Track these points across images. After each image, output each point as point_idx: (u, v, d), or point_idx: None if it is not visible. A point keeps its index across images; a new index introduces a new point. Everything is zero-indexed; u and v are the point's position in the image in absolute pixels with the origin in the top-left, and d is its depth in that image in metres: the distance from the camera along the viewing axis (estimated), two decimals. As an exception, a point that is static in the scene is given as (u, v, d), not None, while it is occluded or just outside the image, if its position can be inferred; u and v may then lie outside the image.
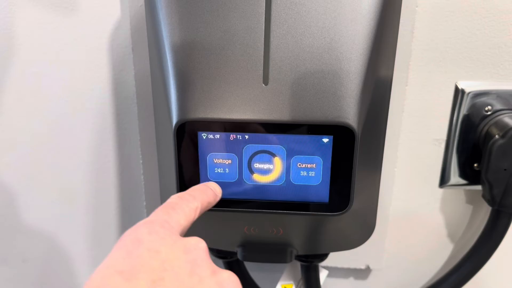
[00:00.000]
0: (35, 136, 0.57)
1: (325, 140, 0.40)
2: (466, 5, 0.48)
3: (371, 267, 0.61)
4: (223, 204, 0.43)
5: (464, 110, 0.51)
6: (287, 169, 0.41)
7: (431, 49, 0.50)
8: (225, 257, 0.54)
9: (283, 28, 0.39)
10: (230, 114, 0.40)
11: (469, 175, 0.54)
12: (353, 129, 0.39)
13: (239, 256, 0.49)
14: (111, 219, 0.62)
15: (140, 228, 0.30)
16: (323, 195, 0.42)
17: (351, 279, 0.64)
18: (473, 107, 0.51)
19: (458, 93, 0.51)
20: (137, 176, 0.58)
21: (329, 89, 0.39)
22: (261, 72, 0.39)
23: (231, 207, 0.43)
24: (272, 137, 0.40)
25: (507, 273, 0.61)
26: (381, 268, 0.62)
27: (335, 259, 0.60)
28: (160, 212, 0.33)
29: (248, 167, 0.41)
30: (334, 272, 0.62)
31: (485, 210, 0.57)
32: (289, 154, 0.41)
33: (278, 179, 0.42)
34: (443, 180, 0.55)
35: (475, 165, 0.54)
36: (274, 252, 0.48)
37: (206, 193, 0.38)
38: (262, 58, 0.39)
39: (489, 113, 0.51)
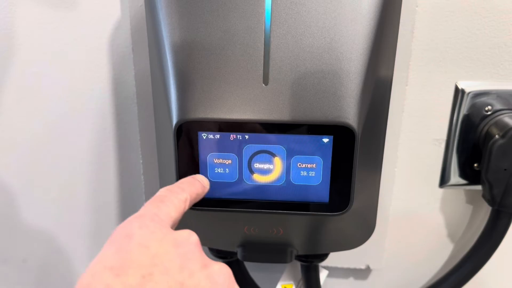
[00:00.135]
0: (35, 136, 0.57)
1: (325, 140, 0.40)
2: (466, 5, 0.48)
3: (371, 267, 0.61)
4: (223, 204, 0.43)
5: (464, 110, 0.51)
6: (287, 169, 0.41)
7: (431, 49, 0.50)
8: (225, 257, 0.54)
9: (283, 28, 0.39)
10: (230, 114, 0.40)
11: (469, 175, 0.54)
12: (353, 129, 0.39)
13: (239, 256, 0.49)
14: (111, 219, 0.62)
15: (131, 223, 0.30)
16: (323, 195, 0.42)
17: (351, 279, 0.64)
18: (473, 107, 0.51)
19: (458, 93, 0.51)
20: (137, 176, 0.58)
21: (329, 89, 0.39)
22: (261, 72, 0.39)
23: (231, 207, 0.43)
24: (272, 137, 0.40)
25: (507, 273, 0.61)
26: (381, 268, 0.62)
27: (335, 259, 0.60)
28: (149, 206, 0.33)
29: (248, 167, 0.41)
30: (334, 272, 0.62)
31: (485, 210, 0.57)
32: (289, 154, 0.41)
33: (278, 179, 0.42)
34: (443, 180, 0.55)
35: (475, 165, 0.54)
36: (274, 252, 0.48)
37: (194, 185, 0.38)
38: (262, 58, 0.39)
39: (489, 113, 0.51)
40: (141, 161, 0.57)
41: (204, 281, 0.29)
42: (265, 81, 0.40)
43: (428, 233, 0.59)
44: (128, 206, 0.61)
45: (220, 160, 0.41)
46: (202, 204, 0.43)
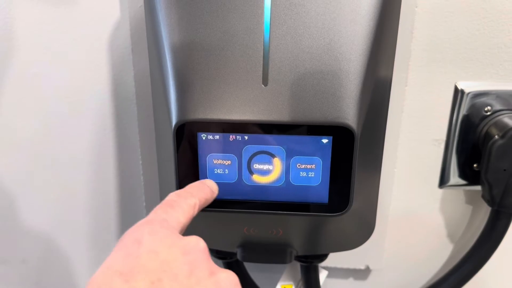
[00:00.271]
0: (35, 136, 0.57)
1: (325, 140, 0.40)
2: (465, 6, 0.48)
3: (370, 267, 0.61)
4: (223, 204, 0.43)
5: (463, 111, 0.51)
6: (287, 170, 0.41)
7: (431, 49, 0.50)
8: (224, 258, 0.54)
9: (283, 29, 0.39)
10: (230, 115, 0.40)
11: (469, 175, 0.54)
12: (352, 130, 0.39)
13: (238, 256, 0.49)
14: (111, 220, 0.62)
15: (140, 228, 0.31)
16: (323, 196, 0.42)
17: (351, 280, 0.64)
18: (473, 108, 0.51)
19: (458, 94, 0.51)
20: (137, 176, 0.59)
21: (329, 89, 0.39)
22: (260, 72, 0.39)
23: (231, 208, 0.43)
24: (272, 137, 0.40)
25: (506, 273, 0.61)
26: (380, 269, 0.62)
27: (334, 259, 0.60)
28: (159, 211, 0.33)
29: (248, 168, 0.41)
30: (334, 272, 0.62)
31: (485, 211, 0.57)
32: (289, 155, 0.41)
33: (277, 180, 0.42)
34: (443, 181, 0.55)
35: (475, 165, 0.54)
36: (273, 253, 0.48)
37: (203, 190, 0.38)
38: (261, 58, 0.39)
39: (488, 113, 0.51)
40: (140, 162, 0.57)
41: None
42: (265, 82, 0.40)
43: (428, 234, 0.59)
44: (127, 207, 0.61)
45: (220, 161, 0.41)
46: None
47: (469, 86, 0.51)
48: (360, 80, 0.39)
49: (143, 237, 0.30)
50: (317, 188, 0.42)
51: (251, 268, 0.60)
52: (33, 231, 0.62)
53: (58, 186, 0.59)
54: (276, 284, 0.58)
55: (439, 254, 0.61)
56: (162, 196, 0.49)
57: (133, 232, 0.31)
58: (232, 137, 0.40)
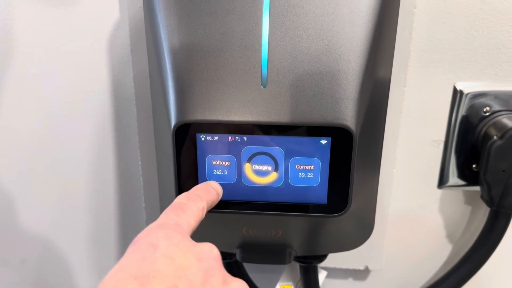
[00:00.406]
0: (34, 137, 0.57)
1: (323, 141, 0.40)
2: (464, 7, 0.48)
3: (370, 267, 0.61)
4: (222, 205, 0.43)
5: (462, 111, 0.51)
6: (286, 171, 0.41)
7: (430, 50, 0.50)
8: (224, 258, 0.54)
9: (281, 30, 0.39)
10: (229, 116, 0.40)
11: (468, 176, 0.54)
12: (351, 131, 0.39)
13: (238, 257, 0.49)
14: (110, 221, 0.62)
15: (155, 232, 0.30)
16: (322, 197, 0.42)
17: (350, 280, 0.64)
18: (472, 108, 0.51)
19: (457, 94, 0.51)
20: (136, 177, 0.59)
21: (327, 91, 0.39)
22: (259, 74, 0.40)
23: (230, 209, 0.43)
24: (271, 138, 0.40)
25: (506, 273, 0.61)
26: (380, 269, 0.62)
27: (334, 260, 0.60)
28: (170, 214, 0.33)
29: (247, 169, 0.42)
30: (333, 273, 0.62)
31: (484, 211, 0.57)
32: (288, 156, 0.41)
33: (276, 181, 0.42)
34: (442, 181, 0.55)
35: (474, 166, 0.54)
36: (273, 253, 0.48)
37: (210, 192, 0.38)
38: (260, 60, 0.39)
39: (487, 114, 0.51)
40: (140, 163, 0.58)
41: None
42: (263, 83, 0.40)
43: (427, 234, 0.59)
44: (127, 207, 0.61)
45: (219, 162, 0.41)
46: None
47: (468, 86, 0.51)
48: (359, 81, 0.39)
49: (159, 241, 0.29)
50: (316, 189, 0.42)
51: (250, 268, 0.60)
52: (33, 231, 0.62)
53: (57, 186, 0.59)
54: (275, 285, 0.58)
55: (438, 255, 0.61)
56: (162, 197, 0.49)
57: (147, 235, 0.30)
58: (231, 138, 0.40)
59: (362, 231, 0.49)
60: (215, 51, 0.40)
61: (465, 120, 0.52)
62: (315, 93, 0.39)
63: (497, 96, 0.50)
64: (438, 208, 0.57)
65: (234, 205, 0.43)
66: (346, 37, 0.39)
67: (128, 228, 0.62)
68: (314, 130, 0.39)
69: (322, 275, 0.57)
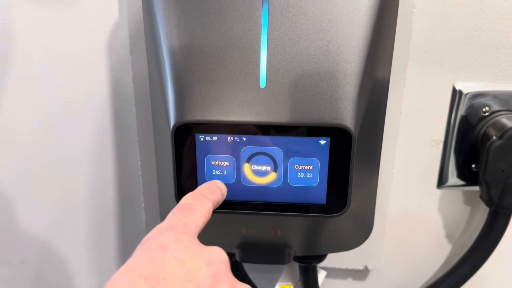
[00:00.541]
0: (34, 137, 0.57)
1: (322, 142, 0.40)
2: (463, 7, 0.48)
3: (369, 267, 0.61)
4: (221, 205, 0.43)
5: (461, 111, 0.51)
6: (285, 171, 0.41)
7: (429, 50, 0.50)
8: (223, 258, 0.54)
9: (280, 31, 0.39)
10: (228, 116, 0.40)
11: (467, 176, 0.54)
12: (350, 131, 0.39)
13: (237, 257, 0.49)
14: (110, 221, 0.62)
15: (165, 234, 0.30)
16: (321, 197, 0.42)
17: (350, 280, 0.64)
18: (471, 108, 0.51)
19: (456, 94, 0.51)
20: (136, 177, 0.59)
21: (326, 91, 0.39)
22: (258, 74, 0.40)
23: (229, 209, 0.43)
24: (270, 139, 0.40)
25: (505, 273, 0.61)
26: (379, 269, 0.62)
27: (333, 260, 0.60)
28: (178, 215, 0.33)
29: (246, 169, 0.42)
30: (333, 273, 0.62)
31: (483, 211, 0.57)
32: (287, 156, 0.41)
33: (275, 181, 0.42)
34: (441, 181, 0.55)
35: (473, 166, 0.54)
36: (272, 253, 0.48)
37: (216, 192, 0.38)
38: (259, 60, 0.39)
39: (486, 114, 0.51)
40: (139, 163, 0.58)
41: None
42: (262, 83, 0.40)
43: (426, 234, 0.59)
44: (126, 207, 0.61)
45: (218, 162, 0.41)
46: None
47: (467, 87, 0.51)
48: (358, 82, 0.39)
49: (169, 243, 0.29)
50: (315, 189, 0.42)
51: (249, 268, 0.60)
52: (32, 231, 0.62)
53: (57, 186, 0.60)
54: (274, 285, 0.58)
55: (438, 255, 0.61)
56: (161, 197, 0.49)
57: (157, 236, 0.30)
58: (230, 138, 0.40)
59: (361, 231, 0.49)
60: (214, 51, 0.40)
61: (465, 120, 0.52)
62: (314, 93, 0.39)
63: (496, 96, 0.51)
64: (437, 208, 0.57)
65: (233, 205, 0.43)
66: (345, 37, 0.39)
67: (128, 228, 0.62)
68: (313, 130, 0.39)
69: (321, 275, 0.58)
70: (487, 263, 0.55)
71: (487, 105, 0.51)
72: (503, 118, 0.50)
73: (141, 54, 0.51)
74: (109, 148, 0.57)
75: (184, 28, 0.40)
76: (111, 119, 0.56)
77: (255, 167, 0.41)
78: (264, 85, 0.40)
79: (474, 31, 0.49)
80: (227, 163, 0.41)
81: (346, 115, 0.39)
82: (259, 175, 0.42)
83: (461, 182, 0.55)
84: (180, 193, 0.43)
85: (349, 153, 0.40)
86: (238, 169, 0.41)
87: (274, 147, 0.41)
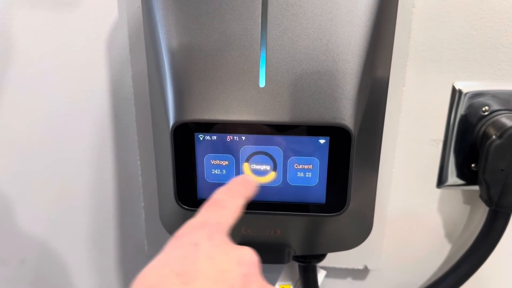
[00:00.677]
0: (33, 137, 0.57)
1: (322, 141, 0.40)
2: (463, 6, 0.48)
3: (369, 267, 0.61)
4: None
5: (461, 111, 0.51)
6: (284, 170, 0.41)
7: (428, 49, 0.50)
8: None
9: (280, 30, 0.39)
10: (227, 116, 0.40)
11: (467, 175, 0.54)
12: (349, 130, 0.39)
13: (236, 256, 0.49)
14: (109, 220, 0.62)
15: (197, 231, 0.30)
16: (320, 196, 0.42)
17: (349, 280, 0.64)
18: (470, 108, 0.51)
19: (455, 94, 0.51)
20: (135, 177, 0.59)
21: (326, 90, 0.39)
22: (257, 73, 0.40)
23: (228, 208, 0.43)
24: (269, 138, 0.40)
25: (504, 273, 0.61)
26: (379, 268, 0.62)
27: (333, 259, 0.60)
28: (211, 212, 0.32)
29: (245, 168, 0.42)
30: (332, 272, 0.62)
31: (483, 210, 0.57)
32: (286, 155, 0.41)
33: (275, 180, 0.42)
34: (441, 181, 0.55)
35: (473, 165, 0.54)
36: (271, 253, 0.48)
37: (248, 188, 0.36)
38: (258, 59, 0.39)
39: (486, 113, 0.51)
40: (139, 162, 0.58)
41: None
42: (262, 82, 0.40)
43: (426, 234, 0.59)
44: (126, 207, 0.61)
45: (217, 162, 0.41)
46: (199, 206, 0.43)
47: (467, 86, 0.51)
48: (357, 81, 0.39)
49: (201, 241, 0.29)
50: (314, 188, 0.42)
51: (249, 268, 0.60)
52: (32, 231, 0.62)
53: (56, 186, 0.59)
54: (274, 284, 0.58)
55: (437, 254, 0.61)
56: (161, 196, 0.49)
57: (189, 233, 0.30)
58: (229, 137, 0.40)
59: (361, 230, 0.49)
60: (213, 50, 0.40)
61: (464, 119, 0.52)
62: (313, 93, 0.39)
63: (496, 95, 0.50)
64: (437, 207, 0.57)
65: (232, 204, 0.43)
66: (345, 37, 0.39)
67: (127, 228, 0.62)
68: (313, 130, 0.39)
69: (321, 275, 0.58)
70: (487, 262, 0.55)
71: (487, 105, 0.51)
72: (503, 117, 0.50)
73: (141, 53, 0.51)
74: (109, 147, 0.57)
75: (183, 27, 0.40)
76: (111, 119, 0.56)
77: (255, 166, 0.41)
78: (264, 85, 0.40)
79: (474, 30, 0.49)
80: (226, 162, 0.41)
81: (346, 114, 0.39)
82: (259, 174, 0.42)
83: (460, 182, 0.55)
84: (179, 192, 0.43)
85: (349, 152, 0.40)
86: (238, 168, 0.41)
87: (274, 146, 0.41)
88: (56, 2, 0.51)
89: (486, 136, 0.50)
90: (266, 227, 0.46)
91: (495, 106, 0.51)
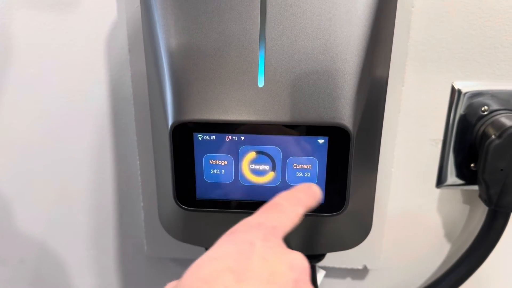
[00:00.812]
0: (32, 137, 0.57)
1: (321, 141, 0.40)
2: (462, 6, 0.48)
3: (368, 267, 0.61)
4: (219, 205, 0.43)
5: (460, 110, 0.51)
6: (283, 170, 0.41)
7: (428, 49, 0.50)
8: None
9: (278, 30, 0.39)
10: (226, 115, 0.40)
11: (466, 175, 0.54)
12: (348, 130, 0.39)
13: (236, 256, 0.49)
14: (108, 220, 0.62)
15: (253, 231, 0.30)
16: (319, 196, 0.42)
17: (349, 280, 0.64)
18: (470, 107, 0.51)
19: (455, 93, 0.51)
20: (135, 177, 0.59)
21: (325, 90, 0.39)
22: (256, 73, 0.40)
23: (227, 208, 0.43)
24: (268, 138, 0.40)
25: (504, 273, 0.61)
26: (378, 268, 0.62)
27: (332, 259, 0.60)
28: (270, 215, 0.32)
29: (244, 168, 0.42)
30: (332, 272, 0.62)
31: (482, 210, 0.57)
32: (285, 155, 0.41)
33: (274, 180, 0.42)
34: (440, 180, 0.55)
35: (472, 165, 0.54)
36: (270, 253, 0.48)
37: (311, 197, 0.36)
38: (257, 59, 0.39)
39: (485, 113, 0.51)
40: (138, 162, 0.58)
41: None
42: (261, 82, 0.40)
43: (425, 233, 0.59)
44: (125, 207, 0.61)
45: (216, 161, 0.41)
46: (198, 206, 0.43)
47: (466, 86, 0.51)
48: (356, 81, 0.39)
49: (256, 241, 0.29)
50: (313, 188, 0.42)
51: (248, 268, 0.60)
52: (31, 231, 0.62)
53: (55, 186, 0.60)
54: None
55: (437, 254, 0.61)
56: (160, 196, 0.49)
57: (245, 232, 0.30)
58: (228, 137, 0.40)
59: (360, 230, 0.49)
60: (212, 50, 0.40)
61: (463, 119, 0.52)
62: (312, 92, 0.39)
63: (495, 95, 0.50)
64: (436, 207, 0.57)
65: (232, 204, 0.43)
66: (344, 36, 0.39)
67: (127, 228, 0.62)
68: (312, 129, 0.39)
69: (320, 275, 0.57)
70: (486, 262, 0.55)
71: (486, 104, 0.51)
72: (502, 117, 0.50)
73: (140, 53, 0.51)
74: (108, 147, 0.57)
75: (182, 27, 0.40)
76: (110, 119, 0.56)
77: (254, 166, 0.41)
78: (262, 84, 0.40)
79: (473, 30, 0.49)
80: (225, 162, 0.41)
81: (345, 114, 0.39)
82: (258, 174, 0.42)
83: (460, 182, 0.55)
84: (178, 192, 0.43)
85: (348, 152, 0.40)
86: (236, 168, 0.41)
87: (272, 146, 0.41)
88: (55, 2, 0.51)
89: (485, 136, 0.50)
90: (265, 227, 0.46)
91: (495, 106, 0.51)
